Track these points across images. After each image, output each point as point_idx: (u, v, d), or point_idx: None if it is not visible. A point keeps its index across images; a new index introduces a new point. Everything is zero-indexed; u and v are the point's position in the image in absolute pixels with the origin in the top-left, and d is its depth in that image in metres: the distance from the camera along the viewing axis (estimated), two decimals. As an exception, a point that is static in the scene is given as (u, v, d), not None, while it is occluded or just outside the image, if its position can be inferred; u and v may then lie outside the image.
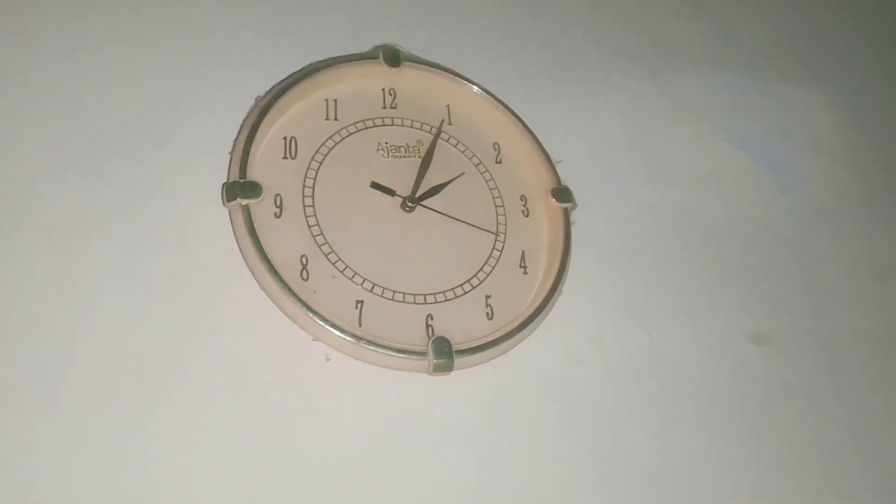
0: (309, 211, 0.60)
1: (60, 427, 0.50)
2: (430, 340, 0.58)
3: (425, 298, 0.60)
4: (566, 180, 0.70)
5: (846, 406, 0.72)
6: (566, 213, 0.67)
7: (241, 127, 0.61)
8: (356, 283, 0.59)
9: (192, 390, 0.54)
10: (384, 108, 0.67)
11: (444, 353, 0.58)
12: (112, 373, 0.52)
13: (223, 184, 0.59)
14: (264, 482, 0.53)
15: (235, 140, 0.61)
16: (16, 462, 0.48)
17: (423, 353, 0.57)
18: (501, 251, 0.65)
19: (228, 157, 0.60)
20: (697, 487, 0.64)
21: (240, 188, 0.58)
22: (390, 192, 0.63)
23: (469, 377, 0.60)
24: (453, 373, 0.59)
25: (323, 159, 0.63)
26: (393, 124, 0.67)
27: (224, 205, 0.58)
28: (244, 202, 0.57)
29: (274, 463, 0.54)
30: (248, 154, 0.59)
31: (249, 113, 0.62)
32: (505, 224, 0.66)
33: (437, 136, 0.67)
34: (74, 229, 0.55)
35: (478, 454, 0.59)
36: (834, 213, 0.84)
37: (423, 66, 0.69)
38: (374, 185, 0.63)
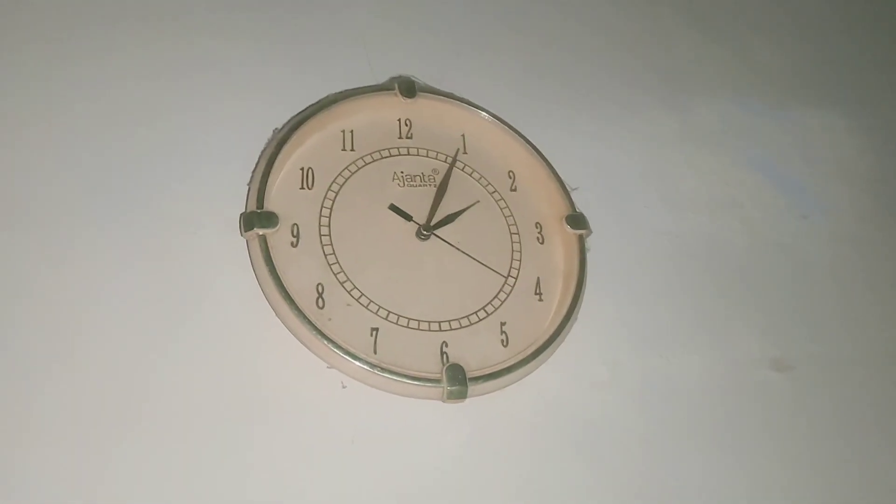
0: (325, 240, 0.61)
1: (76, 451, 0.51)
2: (445, 367, 0.58)
3: (440, 326, 0.61)
4: (581, 207, 0.70)
5: (869, 433, 0.71)
6: (581, 240, 0.67)
7: (259, 158, 0.62)
8: (371, 311, 0.59)
9: (209, 418, 0.54)
10: (400, 138, 0.68)
11: (459, 380, 0.58)
12: (128, 400, 0.53)
13: (241, 214, 0.60)
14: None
15: (253, 171, 0.62)
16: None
17: (437, 381, 0.58)
18: (517, 278, 0.65)
19: (247, 188, 0.61)
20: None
21: (257, 218, 0.59)
22: (407, 217, 0.64)
23: (484, 404, 0.60)
24: (468, 400, 0.59)
25: (339, 189, 0.64)
26: (409, 154, 0.68)
27: (242, 234, 0.59)
28: (261, 232, 0.58)
29: (289, 490, 0.54)
30: (265, 185, 0.60)
31: (267, 145, 0.63)
32: (520, 251, 0.66)
33: (452, 164, 0.68)
34: (96, 258, 0.57)
35: (492, 482, 0.58)
36: (855, 238, 0.83)
37: (438, 96, 0.70)
38: (392, 208, 0.63)
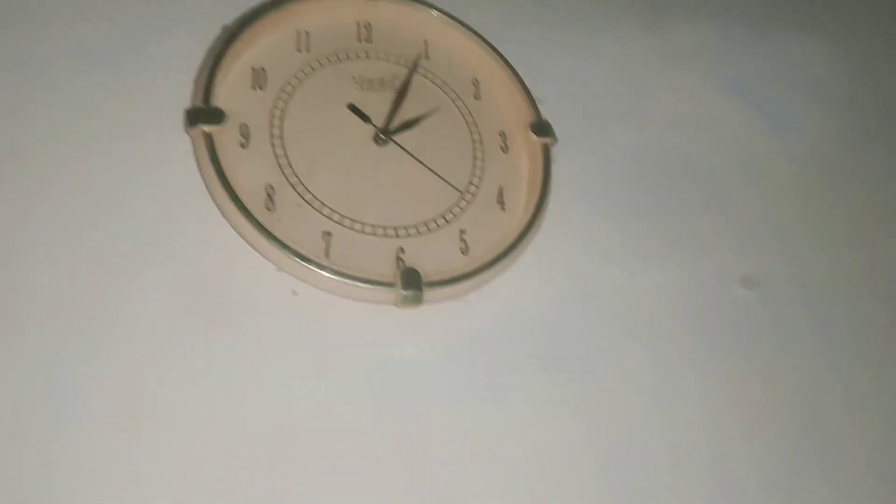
0: (276, 141, 0.58)
1: (14, 352, 0.48)
2: (400, 272, 0.56)
3: (396, 232, 0.58)
4: (549, 120, 0.67)
5: (837, 349, 0.70)
6: (546, 149, 0.65)
7: (207, 55, 0.59)
8: (324, 215, 0.57)
9: (152, 320, 0.52)
10: (359, 41, 0.65)
11: (414, 285, 0.56)
12: (70, 305, 0.51)
13: (185, 109, 0.57)
14: (224, 416, 0.51)
15: (200, 68, 0.59)
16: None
17: (391, 285, 0.55)
18: (478, 186, 0.63)
19: (193, 84, 0.58)
20: (680, 428, 0.61)
21: (202, 114, 0.56)
22: (365, 119, 0.61)
23: (441, 312, 0.58)
24: (424, 307, 0.57)
25: (293, 90, 0.61)
26: (367, 57, 0.65)
27: (186, 132, 0.56)
28: (207, 129, 0.56)
29: (234, 396, 0.52)
30: (212, 81, 0.57)
31: (216, 41, 0.60)
32: (483, 160, 0.64)
33: (413, 69, 0.65)
34: (30, 155, 0.54)
35: (449, 389, 0.57)
36: (829, 159, 0.81)
37: (399, -1, 0.67)
38: (351, 108, 0.61)
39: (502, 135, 0.66)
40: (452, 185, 0.62)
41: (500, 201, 0.63)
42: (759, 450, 0.63)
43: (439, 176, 0.61)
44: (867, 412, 0.68)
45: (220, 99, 0.57)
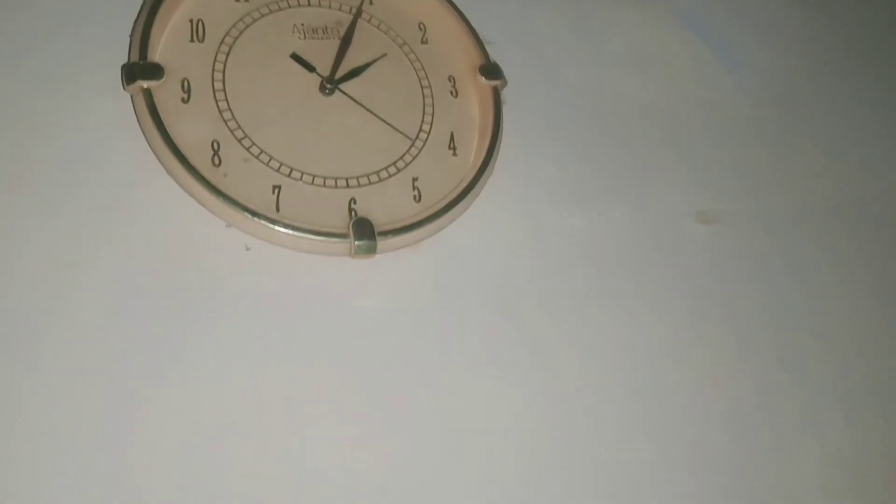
0: (219, 95, 0.57)
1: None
2: (351, 222, 0.55)
3: (347, 182, 0.58)
4: (498, 62, 0.66)
5: (793, 281, 0.71)
6: (496, 92, 0.64)
7: (142, 7, 0.57)
8: (272, 168, 0.56)
9: (103, 286, 0.51)
10: (299, -12, 0.64)
11: (366, 235, 0.55)
12: (15, 270, 0.49)
13: (122, 66, 0.55)
14: (182, 375, 0.51)
15: (135, 22, 0.57)
16: None
17: (344, 235, 0.55)
18: (429, 133, 0.62)
19: (129, 39, 0.56)
20: (641, 367, 0.62)
21: (140, 70, 0.54)
22: (310, 68, 0.60)
23: (396, 261, 0.58)
24: (378, 256, 0.57)
25: (233, 42, 0.59)
26: (309, 5, 0.63)
27: (125, 89, 0.55)
28: (146, 85, 0.54)
29: (193, 355, 0.51)
30: (148, 35, 0.56)
31: (150, -7, 0.58)
32: (432, 105, 0.63)
33: (357, 15, 0.63)
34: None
35: (406, 337, 0.57)
36: (782, 94, 0.82)
37: (339, -57, 0.65)
38: (295, 58, 0.59)
39: (451, 79, 0.65)
40: (402, 133, 0.61)
41: (452, 147, 0.62)
42: (723, 380, 0.65)
43: (388, 124, 0.61)
44: (829, 340, 0.70)
45: (157, 53, 0.56)
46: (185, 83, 0.56)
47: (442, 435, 0.55)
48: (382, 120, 0.61)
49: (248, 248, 0.55)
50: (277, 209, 0.55)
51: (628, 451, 0.59)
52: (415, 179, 0.60)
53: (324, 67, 0.61)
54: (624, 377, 0.61)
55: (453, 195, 0.59)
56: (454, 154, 0.62)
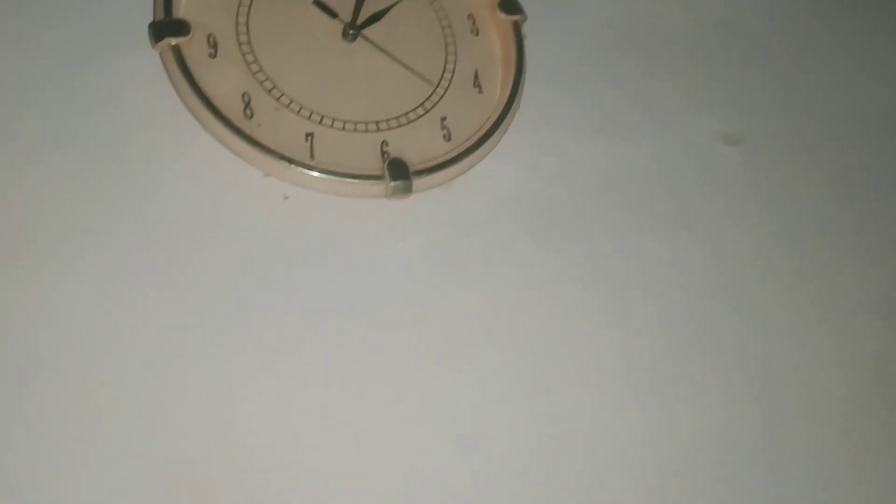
0: (245, 47, 0.57)
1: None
2: (386, 163, 0.56)
3: (377, 126, 0.58)
4: (516, -1, 0.66)
5: (822, 201, 0.71)
6: (516, 27, 0.64)
7: (162, -35, 0.58)
8: (303, 116, 0.57)
9: (144, 243, 0.52)
10: (316, -65, 0.63)
11: (401, 175, 0.56)
12: (61, 239, 0.51)
13: (149, 24, 0.56)
14: (231, 328, 0.52)
15: (158, -20, 0.57)
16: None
17: (379, 177, 0.56)
18: (453, 72, 0.62)
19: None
20: (673, 290, 0.63)
21: (167, 27, 0.55)
22: (333, 14, 0.60)
23: (429, 201, 0.59)
24: (412, 197, 0.58)
25: (255, -7, 0.59)
26: (327, -49, 0.63)
27: (153, 47, 0.56)
28: (174, 41, 0.55)
29: (237, 307, 0.53)
30: (171, -8, 0.56)
31: (169, -50, 0.58)
32: (454, 45, 0.63)
33: (373, -41, 0.63)
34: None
35: (445, 276, 0.58)
36: (803, 12, 0.80)
37: None
38: (317, 4, 0.60)
39: (471, 18, 0.65)
40: (427, 74, 0.61)
41: (477, 84, 0.63)
42: (753, 302, 0.65)
43: (411, 69, 0.61)
44: (857, 258, 0.70)
45: (182, 10, 0.57)
46: (211, 38, 0.57)
47: (486, 370, 0.56)
48: (405, 65, 0.61)
49: (285, 198, 0.56)
50: (312, 156, 0.56)
51: (673, 373, 0.60)
52: (443, 119, 0.60)
53: (346, 13, 0.61)
54: (662, 301, 0.62)
55: (482, 132, 0.60)
56: (480, 92, 0.63)
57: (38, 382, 0.47)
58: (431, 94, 0.61)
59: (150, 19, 0.57)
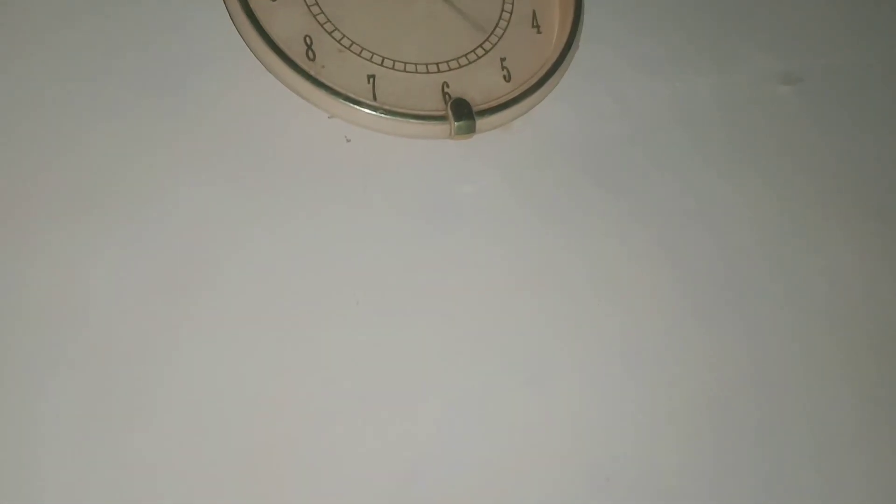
0: (305, -10, 0.57)
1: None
2: (449, 103, 0.56)
3: (438, 67, 0.58)
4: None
5: (882, 139, 0.70)
6: (574, -34, 0.64)
7: None
8: (365, 58, 0.57)
9: (214, 183, 0.53)
10: None
11: (465, 115, 0.56)
12: (122, 182, 0.51)
13: (211, -32, 0.56)
14: (293, 269, 0.53)
15: (217, -77, 0.57)
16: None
17: (442, 118, 0.56)
18: (511, 13, 0.62)
19: (213, -58, 0.57)
20: (733, 224, 0.63)
21: (230, -30, 0.55)
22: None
23: (491, 142, 0.59)
24: (475, 138, 0.58)
25: (313, -64, 0.59)
26: None
27: (216, -9, 0.56)
28: (236, -16, 0.55)
29: (303, 247, 0.53)
30: (231, -65, 0.56)
31: None
32: (511, -14, 0.63)
33: None
34: (62, 34, 0.53)
35: (510, 215, 0.58)
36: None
37: None
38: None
39: (528, -43, 0.64)
40: (484, 17, 0.61)
41: (535, 25, 0.62)
42: (816, 238, 0.65)
43: (469, 10, 0.60)
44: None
45: (244, -46, 0.56)
46: (271, -19, 0.57)
47: (552, 303, 0.57)
48: (463, 6, 0.60)
49: (348, 140, 0.56)
50: (374, 97, 0.56)
51: (740, 309, 0.60)
52: (503, 60, 0.60)
53: (402, -45, 0.61)
54: (723, 238, 0.62)
55: (541, 72, 0.60)
56: (538, 32, 0.62)
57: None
58: (490, 34, 0.60)
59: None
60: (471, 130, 0.56)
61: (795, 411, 0.59)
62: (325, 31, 0.57)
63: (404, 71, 0.57)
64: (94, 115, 0.52)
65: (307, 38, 0.56)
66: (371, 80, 0.56)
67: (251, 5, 0.55)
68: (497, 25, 0.61)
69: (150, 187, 0.52)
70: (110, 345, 0.48)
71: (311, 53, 0.56)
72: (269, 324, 0.51)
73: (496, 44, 0.60)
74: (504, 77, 0.60)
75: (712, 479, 0.56)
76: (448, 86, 0.58)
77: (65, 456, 0.45)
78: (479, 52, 0.60)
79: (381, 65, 0.57)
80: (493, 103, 0.57)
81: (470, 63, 0.59)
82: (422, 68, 0.58)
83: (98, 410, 0.46)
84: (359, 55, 0.57)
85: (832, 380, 0.60)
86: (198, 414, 0.48)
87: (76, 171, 0.51)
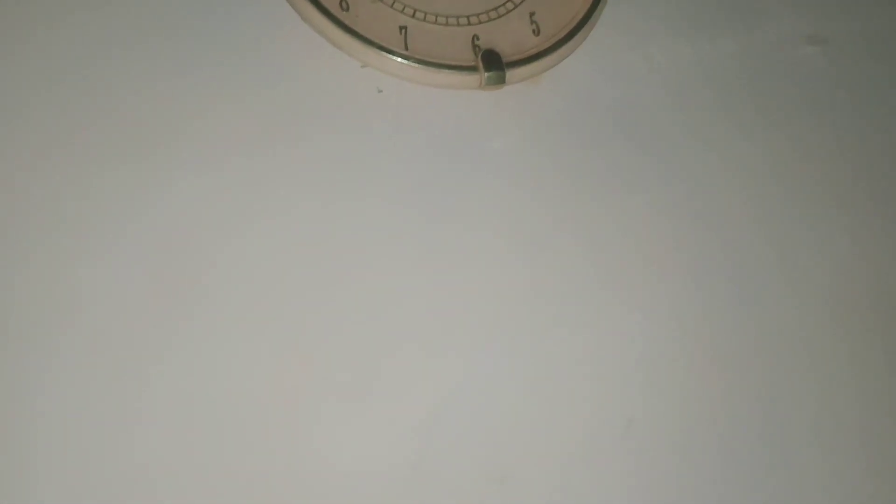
0: (337, -58, 0.58)
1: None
2: (480, 54, 0.57)
3: (468, 20, 0.59)
4: None
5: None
6: (604, -79, 0.64)
7: None
8: (397, 10, 0.58)
9: (242, 135, 0.54)
10: None
11: (495, 65, 0.57)
12: (159, 131, 0.53)
13: (244, -84, 0.57)
14: (324, 216, 0.54)
15: None
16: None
17: (472, 68, 0.57)
18: (541, -33, 0.63)
19: None
20: (758, 186, 0.64)
21: (265, -82, 0.56)
22: None
23: (521, 94, 0.60)
24: (504, 90, 0.59)
25: None
26: None
27: (249, -61, 0.57)
28: (271, -67, 0.56)
29: (335, 190, 0.55)
30: None
31: None
32: (542, -59, 0.63)
33: None
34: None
35: (539, 170, 0.59)
36: None
37: None
38: None
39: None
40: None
41: (565, -20, 0.63)
42: (843, 197, 0.66)
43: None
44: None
45: None
46: (302, -70, 0.58)
47: (582, 259, 0.58)
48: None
49: (379, 91, 0.58)
50: (406, 47, 0.57)
51: (767, 263, 0.61)
52: (532, 14, 0.61)
53: None
54: (750, 198, 0.63)
55: (570, 26, 0.61)
56: (567, -14, 0.63)
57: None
58: (520, -12, 0.61)
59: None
60: (500, 81, 0.57)
61: (803, 352, 0.60)
62: (358, -18, 0.58)
63: (435, 23, 0.58)
64: (119, 49, 0.53)
65: (340, -11, 0.57)
66: (403, 31, 0.57)
67: (287, -45, 0.56)
68: (527, -20, 0.62)
69: (180, 131, 0.53)
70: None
71: (344, 4, 0.57)
72: (300, 267, 0.53)
73: (525, -2, 0.61)
74: (533, 31, 0.60)
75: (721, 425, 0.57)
76: (478, 38, 0.59)
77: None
78: (509, 5, 0.61)
79: (413, 17, 0.58)
80: (523, 55, 0.58)
81: (500, 17, 0.60)
82: (452, 21, 0.59)
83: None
84: (391, 6, 0.58)
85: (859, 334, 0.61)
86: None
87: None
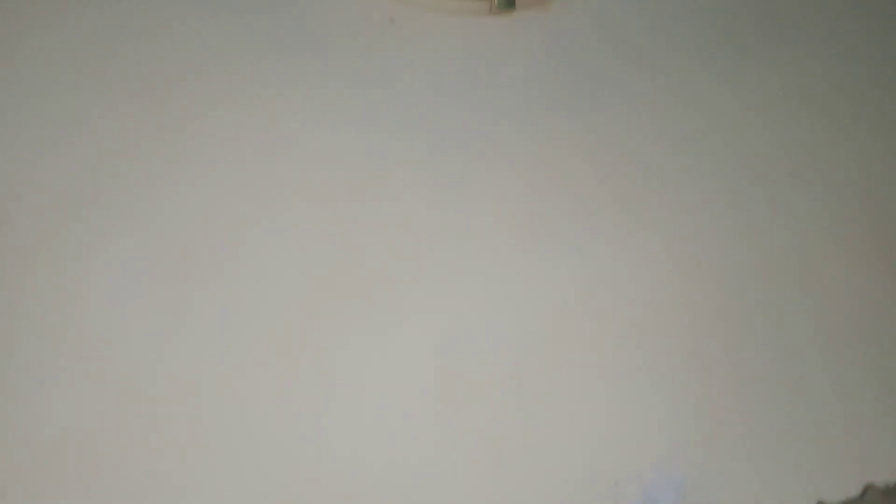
0: None
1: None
2: (489, -22, 0.58)
3: (478, -54, 0.60)
4: None
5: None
6: None
7: None
8: (408, -62, 0.59)
9: (259, 65, 0.56)
10: None
11: (504, -10, 0.58)
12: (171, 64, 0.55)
13: None
14: (337, 144, 0.56)
15: None
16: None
17: (483, -8, 0.58)
18: None
19: None
20: (783, 113, 0.64)
21: None
22: None
23: (531, 21, 0.61)
24: (514, 17, 0.59)
25: None
26: None
27: None
28: None
29: (349, 121, 0.56)
30: None
31: None
32: None
33: None
34: None
35: (552, 98, 0.60)
36: None
37: None
38: None
39: None
40: None
41: None
42: (843, 125, 0.65)
43: None
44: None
45: None
46: None
47: (588, 182, 0.59)
48: None
49: (392, 20, 0.59)
50: (419, -26, 0.58)
51: (787, 194, 0.62)
52: (541, -58, 0.62)
53: None
54: (769, 127, 0.63)
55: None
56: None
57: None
58: (529, -83, 0.62)
59: None
60: (511, 6, 0.58)
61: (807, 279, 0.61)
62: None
63: (446, -50, 0.59)
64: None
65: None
66: (415, -41, 0.58)
67: None
68: None
69: (201, 68, 0.55)
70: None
71: (356, -67, 0.58)
72: (314, 203, 0.54)
73: (534, -73, 0.62)
74: (542, -40, 0.61)
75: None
76: (488, -35, 0.60)
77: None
78: (518, -66, 0.61)
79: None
80: (532, -17, 0.59)
81: (509, -53, 0.61)
82: (463, -52, 0.60)
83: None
84: (402, -65, 0.59)
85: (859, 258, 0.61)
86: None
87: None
